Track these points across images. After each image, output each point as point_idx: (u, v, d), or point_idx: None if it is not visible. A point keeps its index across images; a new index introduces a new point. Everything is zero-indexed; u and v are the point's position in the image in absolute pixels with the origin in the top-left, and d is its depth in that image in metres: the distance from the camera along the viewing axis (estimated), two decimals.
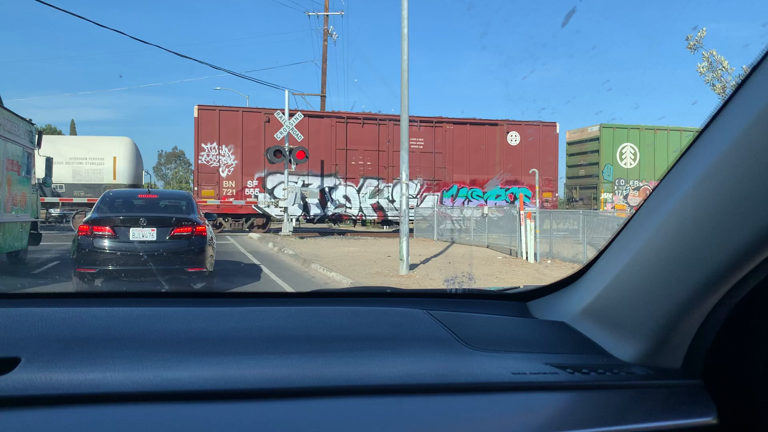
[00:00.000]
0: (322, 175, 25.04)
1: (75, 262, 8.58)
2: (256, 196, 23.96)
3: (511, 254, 15.75)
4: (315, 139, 24.59)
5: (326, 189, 25.04)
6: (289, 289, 10.15)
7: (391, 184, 25.55)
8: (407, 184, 12.63)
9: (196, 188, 23.88)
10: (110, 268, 8.45)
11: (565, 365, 1.30)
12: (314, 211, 25.10)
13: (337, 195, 25.31)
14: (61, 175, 23.01)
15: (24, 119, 12.86)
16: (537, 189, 22.77)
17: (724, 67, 14.34)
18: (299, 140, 23.24)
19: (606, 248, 1.44)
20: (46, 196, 21.14)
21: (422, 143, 25.93)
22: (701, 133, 1.11)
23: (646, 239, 1.22)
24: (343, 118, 25.20)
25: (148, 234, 8.55)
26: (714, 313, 1.19)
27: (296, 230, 23.78)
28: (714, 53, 14.35)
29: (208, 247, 8.95)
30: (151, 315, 1.45)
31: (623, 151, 28.12)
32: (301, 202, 23.72)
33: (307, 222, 27.03)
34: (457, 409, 1.12)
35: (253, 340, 1.36)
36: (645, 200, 1.28)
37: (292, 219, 23.43)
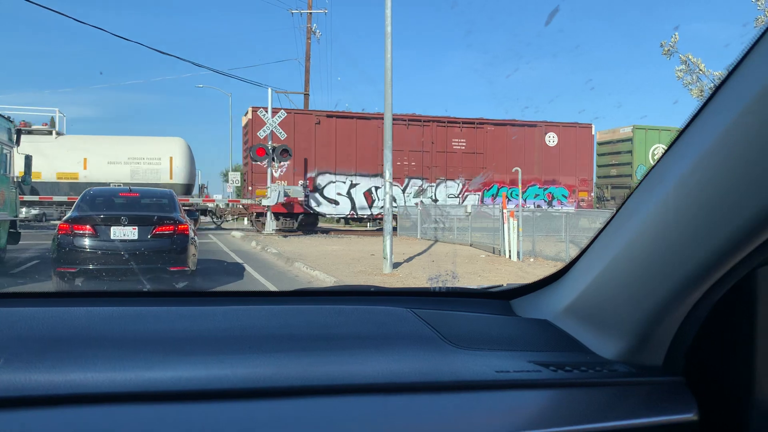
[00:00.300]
0: (368, 176, 25.83)
1: (55, 261, 8.46)
2: (307, 196, 24.60)
3: (494, 252, 15.83)
4: (362, 140, 25.29)
5: (373, 189, 25.73)
6: (272, 287, 10.11)
7: (434, 184, 26.37)
8: (390, 182, 12.63)
9: (250, 188, 24.34)
10: (91, 267, 8.34)
11: (549, 363, 1.31)
12: (362, 210, 25.85)
13: (383, 194, 25.59)
14: (119, 175, 23.49)
15: (2, 116, 12.65)
16: (519, 188, 23.00)
17: (701, 69, 14.51)
18: (282, 138, 23.24)
19: (588, 246, 1.45)
20: (24, 194, 20.87)
21: (464, 144, 26.70)
22: (682, 133, 1.12)
23: (629, 238, 1.23)
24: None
25: (130, 233, 8.46)
26: (695, 310, 1.20)
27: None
28: (690, 57, 14.53)
29: (191, 245, 8.88)
30: (133, 315, 1.43)
31: (655, 152, 28.86)
32: (284, 200, 23.71)
33: (353, 221, 27.65)
34: (442, 408, 1.12)
35: (236, 339, 1.35)
36: (627, 199, 1.29)
37: (274, 218, 23.42)
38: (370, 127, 25.40)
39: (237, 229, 24.88)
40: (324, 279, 11.08)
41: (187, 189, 25.97)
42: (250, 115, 24.27)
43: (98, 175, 23.93)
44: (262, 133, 22.87)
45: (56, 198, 23.88)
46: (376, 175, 25.31)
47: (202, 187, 28.26)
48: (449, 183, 26.61)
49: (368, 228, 28.27)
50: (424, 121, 26.18)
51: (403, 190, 26.04)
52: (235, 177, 31.83)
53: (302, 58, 32.15)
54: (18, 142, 13.40)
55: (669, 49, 14.35)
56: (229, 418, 1.02)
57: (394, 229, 14.92)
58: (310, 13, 31.41)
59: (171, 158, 24.97)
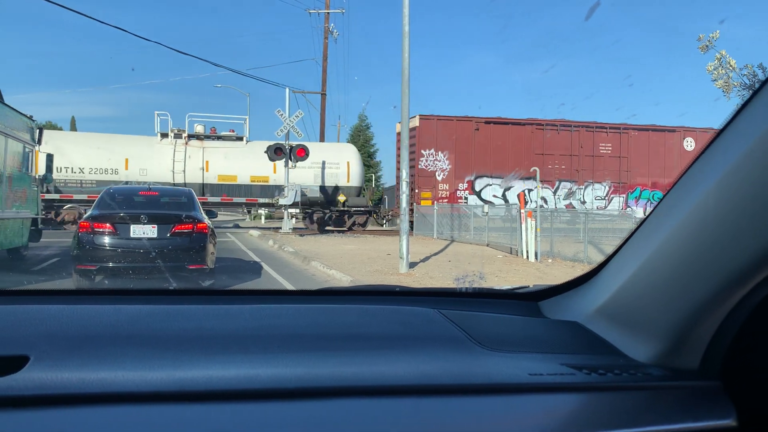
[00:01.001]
0: (522, 178, 27.31)
1: (75, 258, 8.54)
2: (466, 198, 26.23)
3: (511, 253, 15.74)
4: (516, 145, 26.89)
5: (526, 191, 26.98)
6: (289, 286, 10.14)
7: (583, 187, 27.90)
8: (407, 182, 12.60)
9: (416, 190, 25.83)
10: (110, 265, 8.41)
11: (581, 366, 1.29)
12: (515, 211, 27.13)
13: (535, 197, 27.30)
14: (304, 178, 25.17)
15: (24, 115, 12.83)
16: (538, 187, 22.93)
17: (731, 66, 14.38)
18: (299, 138, 23.49)
19: (621, 247, 1.42)
20: (46, 193, 21.19)
21: (610, 148, 28.26)
22: (723, 129, 1.09)
23: (664, 237, 1.20)
24: (542, 125, 27.49)
25: (149, 231, 8.51)
26: (734, 312, 1.17)
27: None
28: (724, 53, 14.42)
29: (209, 244, 8.91)
30: (160, 313, 1.43)
31: None
32: (300, 200, 23.88)
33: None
34: (476, 411, 1.10)
35: (264, 338, 1.34)
36: (663, 198, 1.26)
37: (292, 217, 23.58)
38: (524, 133, 27.02)
39: (254, 228, 25.02)
40: (340, 278, 11.09)
41: (359, 191, 27.34)
42: (417, 122, 25.52)
43: (285, 178, 25.31)
44: (279, 132, 23.00)
45: (77, 197, 24.20)
46: (528, 178, 26.83)
47: (367, 189, 29.32)
48: (596, 185, 28.09)
49: (384, 228, 28.37)
50: (573, 127, 27.73)
51: (554, 193, 27.44)
52: None
53: (319, 58, 32.30)
54: (40, 141, 13.58)
55: (706, 45, 14.20)
56: (261, 419, 1.01)
57: (411, 228, 14.90)
58: (328, 12, 31.48)
59: (348, 163, 26.56)
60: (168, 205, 9.61)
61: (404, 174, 12.48)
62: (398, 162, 26.38)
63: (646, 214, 1.34)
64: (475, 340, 1.40)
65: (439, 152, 26.07)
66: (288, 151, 22.83)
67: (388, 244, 17.55)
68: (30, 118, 13.19)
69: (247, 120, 26.87)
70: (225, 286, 9.54)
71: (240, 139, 26.21)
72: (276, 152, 22.72)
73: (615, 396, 1.21)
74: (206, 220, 9.16)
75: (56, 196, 23.98)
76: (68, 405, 1.00)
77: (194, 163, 24.55)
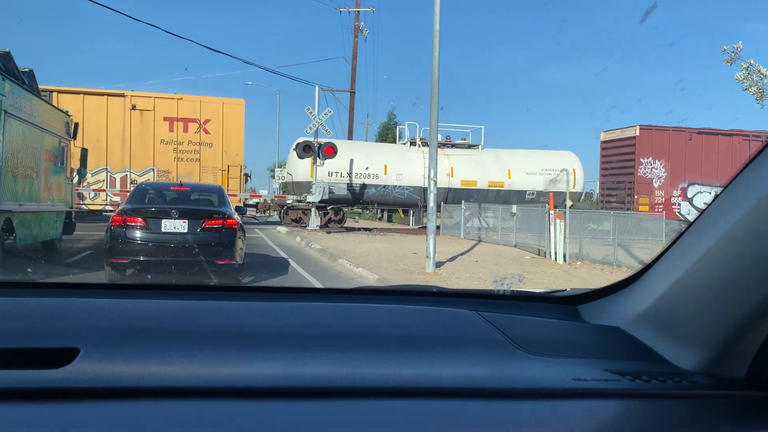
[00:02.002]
0: (710, 185, 29.32)
1: (108, 252, 8.70)
2: (679, 204, 28.10)
3: (539, 254, 15.59)
4: (724, 154, 28.77)
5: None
6: (316, 283, 10.19)
7: None
8: (435, 181, 12.57)
9: (635, 196, 27.71)
10: (141, 258, 8.56)
11: (625, 372, 1.27)
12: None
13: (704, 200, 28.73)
14: (534, 184, 27.28)
15: (60, 110, 13.09)
16: (568, 190, 22.72)
17: (762, 73, 14.11)
18: (328, 135, 23.65)
19: (666, 251, 1.40)
20: (79, 186, 21.60)
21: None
22: None
23: (714, 242, 1.18)
24: (748, 136, 29.56)
25: (180, 226, 8.63)
26: None
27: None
28: (752, 62, 14.20)
29: (238, 240, 9.01)
30: (204, 308, 1.45)
31: None
32: (327, 197, 24.00)
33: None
34: (522, 415, 1.10)
35: (306, 336, 1.35)
36: (713, 202, 1.24)
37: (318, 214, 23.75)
38: (731, 142, 28.97)
39: (281, 224, 25.22)
40: (367, 276, 11.10)
41: (579, 196, 28.79)
42: (636, 132, 27.23)
43: (518, 184, 27.38)
44: (308, 130, 23.15)
45: (110, 191, 24.63)
46: (718, 186, 28.77)
47: (586, 195, 30.44)
48: None
49: (410, 226, 28.35)
50: (765, 137, 29.20)
51: None
52: (281, 173, 32.16)
53: (349, 56, 32.39)
54: (75, 136, 13.84)
55: (731, 57, 13.95)
56: (308, 417, 1.02)
57: (438, 227, 14.84)
58: (358, 11, 31.53)
59: (574, 170, 28.16)
60: (198, 200, 9.74)
61: (432, 173, 12.45)
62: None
63: (693, 218, 1.32)
64: (516, 344, 1.39)
65: (656, 160, 27.82)
66: (317, 148, 22.95)
67: (414, 243, 17.53)
68: (66, 113, 13.45)
69: (483, 129, 28.46)
70: (252, 282, 9.63)
71: (472, 146, 27.89)
72: (305, 150, 22.84)
73: (660, 404, 1.19)
74: (236, 216, 9.26)
75: (89, 190, 24.40)
76: (120, 398, 1.02)
77: (441, 169, 26.21)
